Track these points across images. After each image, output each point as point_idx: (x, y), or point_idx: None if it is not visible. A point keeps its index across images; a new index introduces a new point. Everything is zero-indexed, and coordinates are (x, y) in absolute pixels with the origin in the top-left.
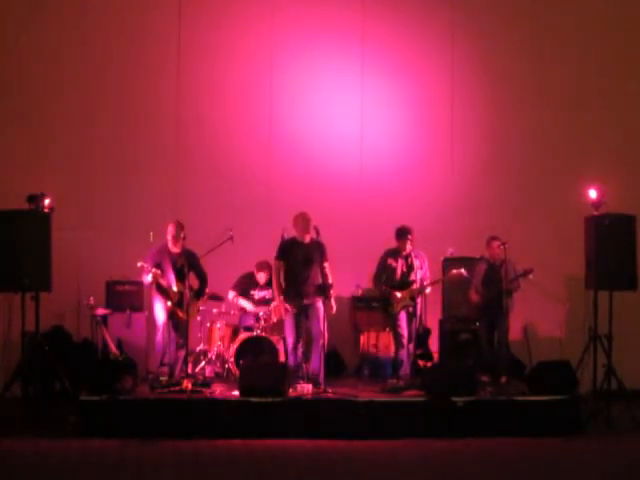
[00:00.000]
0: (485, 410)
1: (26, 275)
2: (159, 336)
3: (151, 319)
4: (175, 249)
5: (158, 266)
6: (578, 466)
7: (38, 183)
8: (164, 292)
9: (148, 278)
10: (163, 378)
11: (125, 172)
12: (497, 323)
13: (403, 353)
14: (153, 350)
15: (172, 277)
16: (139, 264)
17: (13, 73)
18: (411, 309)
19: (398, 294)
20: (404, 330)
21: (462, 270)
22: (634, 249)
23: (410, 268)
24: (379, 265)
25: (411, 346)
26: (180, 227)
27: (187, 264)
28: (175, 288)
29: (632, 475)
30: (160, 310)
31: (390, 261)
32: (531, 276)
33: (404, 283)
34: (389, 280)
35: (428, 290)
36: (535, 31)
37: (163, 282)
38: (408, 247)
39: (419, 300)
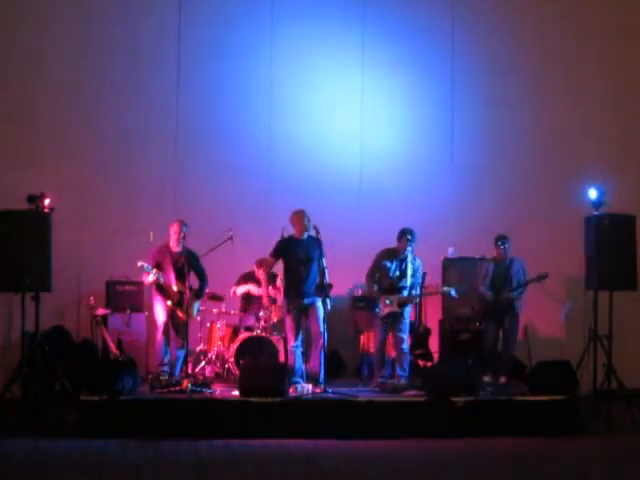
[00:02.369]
0: (485, 410)
1: (26, 275)
2: (159, 336)
3: (151, 319)
4: (176, 248)
5: (159, 265)
6: (578, 466)
7: (38, 183)
8: (164, 292)
9: (149, 278)
10: (163, 378)
11: (125, 172)
12: (504, 323)
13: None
14: (153, 350)
15: (172, 276)
16: (139, 264)
17: (13, 72)
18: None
19: (387, 300)
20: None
21: (452, 291)
22: (634, 249)
23: (403, 273)
24: (374, 263)
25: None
26: (185, 226)
27: (187, 263)
28: (175, 288)
29: (632, 475)
30: (160, 310)
31: (385, 261)
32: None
33: (394, 288)
34: (381, 280)
35: (415, 300)
36: (535, 31)
37: (163, 282)
38: (407, 250)
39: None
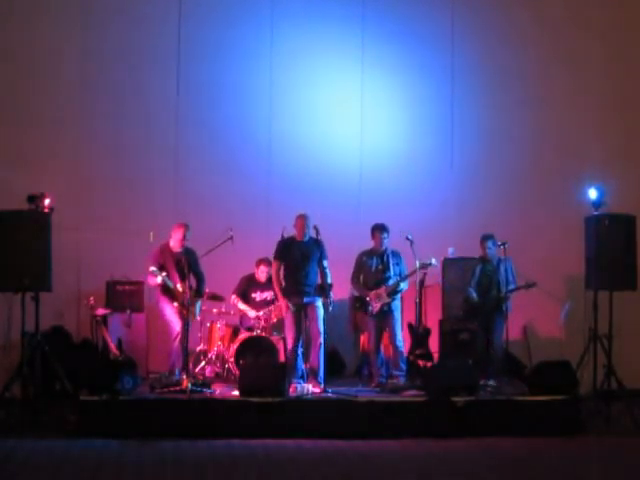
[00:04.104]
0: (485, 410)
1: (26, 275)
2: (177, 342)
3: (150, 319)
4: (177, 249)
5: (162, 267)
6: (578, 466)
7: (38, 183)
8: (171, 294)
9: (157, 280)
10: (173, 378)
11: (125, 172)
12: (492, 325)
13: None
14: (169, 354)
15: (176, 277)
16: (151, 269)
17: (13, 72)
18: (386, 307)
19: (373, 293)
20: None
21: (433, 260)
22: (634, 249)
23: (386, 266)
24: (355, 265)
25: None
26: (189, 230)
27: (188, 263)
28: (180, 288)
29: (632, 475)
30: (172, 314)
31: (365, 259)
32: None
33: (380, 280)
34: (366, 279)
35: (404, 287)
36: (536, 30)
37: (170, 284)
38: (383, 244)
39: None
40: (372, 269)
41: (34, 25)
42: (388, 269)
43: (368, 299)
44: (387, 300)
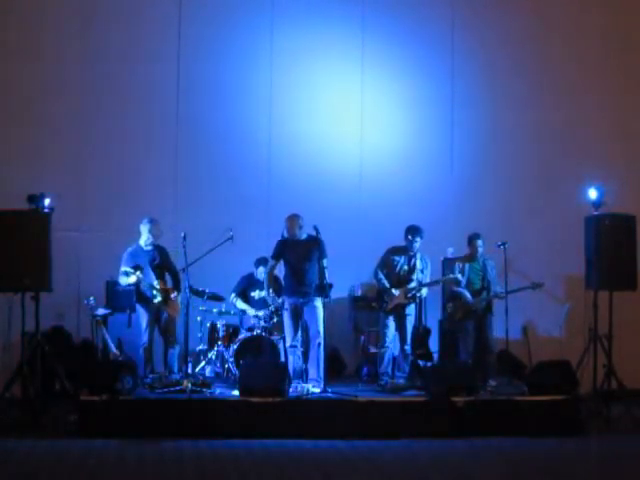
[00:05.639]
0: (485, 410)
1: (26, 275)
2: (141, 349)
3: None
4: (148, 247)
5: (136, 267)
6: (578, 466)
7: (38, 183)
8: (145, 298)
9: (128, 280)
10: (160, 375)
11: (125, 172)
12: (484, 325)
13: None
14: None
15: (152, 276)
16: (123, 269)
17: (13, 72)
18: (401, 309)
19: (395, 291)
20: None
21: (459, 276)
22: (634, 249)
23: (412, 268)
24: (382, 258)
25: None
26: (151, 223)
27: (161, 260)
28: (158, 286)
29: (632, 475)
30: (145, 323)
31: (392, 257)
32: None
33: (402, 281)
34: (389, 275)
35: (425, 292)
36: (536, 30)
37: (145, 284)
38: (414, 246)
39: (416, 301)
40: (397, 267)
41: (34, 25)
42: (413, 272)
43: (386, 295)
44: (403, 302)
